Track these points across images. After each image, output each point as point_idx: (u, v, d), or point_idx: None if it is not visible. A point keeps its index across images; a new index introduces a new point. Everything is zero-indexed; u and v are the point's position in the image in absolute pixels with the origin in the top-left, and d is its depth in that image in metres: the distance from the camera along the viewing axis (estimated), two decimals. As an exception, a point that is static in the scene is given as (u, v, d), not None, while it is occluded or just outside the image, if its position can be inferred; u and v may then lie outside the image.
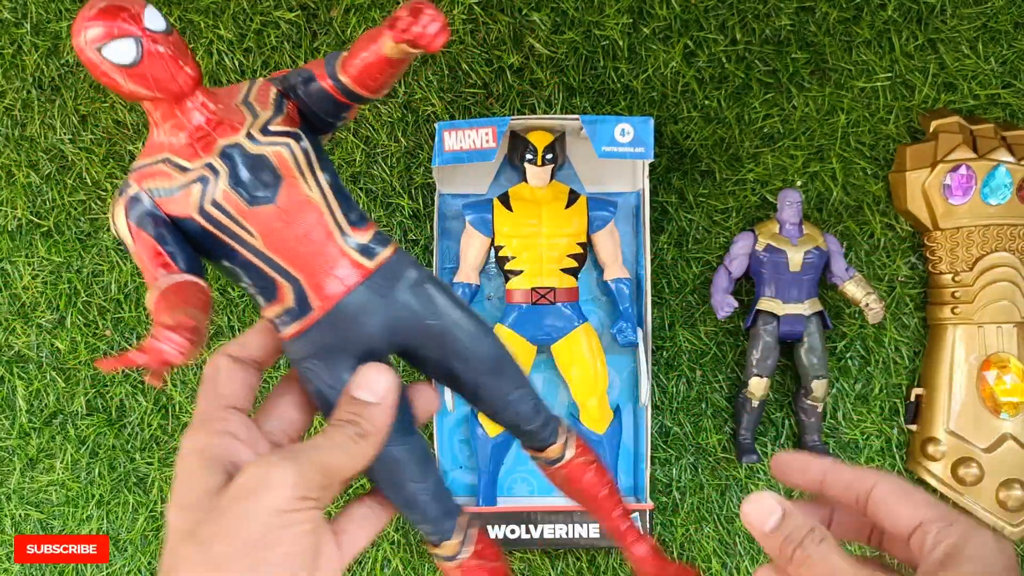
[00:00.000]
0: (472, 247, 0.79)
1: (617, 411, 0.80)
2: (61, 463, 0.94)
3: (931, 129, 0.88)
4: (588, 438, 0.80)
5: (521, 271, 0.77)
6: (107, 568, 0.93)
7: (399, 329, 0.44)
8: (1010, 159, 0.87)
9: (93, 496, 0.93)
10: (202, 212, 0.43)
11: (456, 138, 0.74)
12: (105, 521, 0.93)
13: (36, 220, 0.93)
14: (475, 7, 0.90)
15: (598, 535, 0.78)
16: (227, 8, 0.91)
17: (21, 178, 0.93)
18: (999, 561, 0.35)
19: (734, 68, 0.90)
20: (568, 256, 0.78)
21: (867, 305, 0.85)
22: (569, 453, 0.51)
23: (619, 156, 0.74)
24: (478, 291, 0.81)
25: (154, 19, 0.41)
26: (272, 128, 0.44)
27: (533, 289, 0.76)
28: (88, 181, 0.93)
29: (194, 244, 0.45)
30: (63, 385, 0.94)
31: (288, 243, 0.45)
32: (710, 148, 0.90)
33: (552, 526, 0.77)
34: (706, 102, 0.90)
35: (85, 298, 0.93)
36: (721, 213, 0.91)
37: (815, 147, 0.91)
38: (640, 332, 0.78)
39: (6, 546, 0.94)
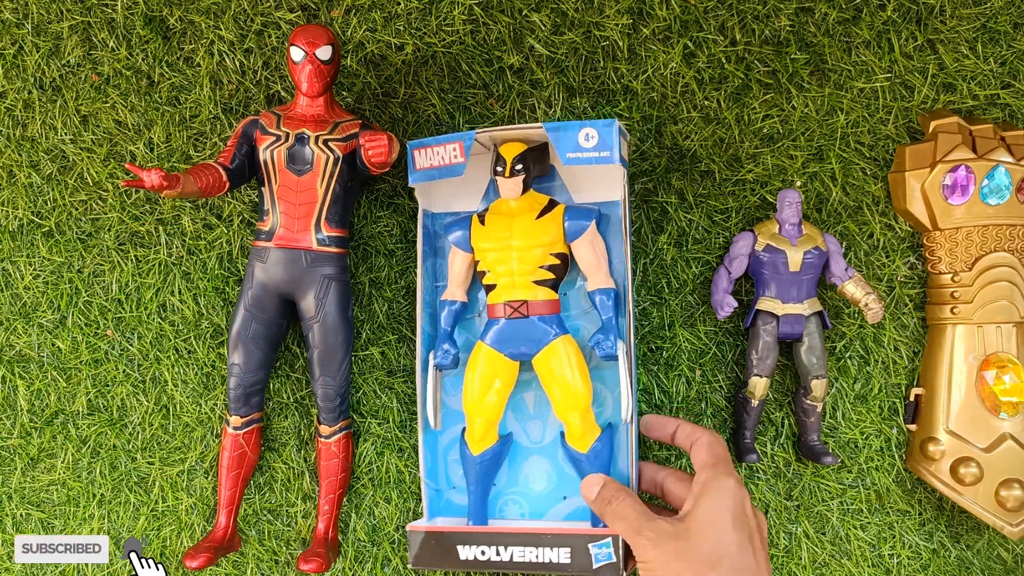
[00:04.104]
0: (455, 264, 0.77)
1: (609, 429, 0.75)
2: (62, 463, 0.94)
3: (930, 129, 0.88)
4: (572, 456, 0.75)
5: (495, 285, 0.74)
6: (108, 568, 0.94)
7: (296, 287, 0.83)
8: (1009, 159, 0.87)
9: (94, 496, 0.94)
10: (264, 151, 0.81)
11: (425, 156, 0.73)
12: (106, 521, 0.93)
13: (37, 220, 0.94)
14: (475, 7, 0.90)
15: (568, 560, 0.72)
16: (228, 8, 0.91)
17: (22, 178, 0.93)
18: (718, 449, 0.63)
19: (734, 69, 0.90)
20: (541, 268, 0.73)
21: (866, 305, 0.86)
22: (332, 439, 0.86)
23: (584, 162, 0.71)
24: (465, 308, 0.78)
25: (323, 52, 0.81)
26: (329, 142, 0.81)
27: (506, 303, 0.73)
28: (89, 181, 0.93)
29: (252, 164, 0.83)
30: (64, 385, 0.94)
31: (287, 200, 0.82)
32: (710, 148, 0.91)
33: (522, 549, 0.73)
34: (706, 102, 0.90)
35: (86, 298, 0.94)
36: (721, 213, 0.91)
37: (814, 147, 0.91)
38: (622, 345, 0.72)
39: (7, 545, 0.94)
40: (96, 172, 0.93)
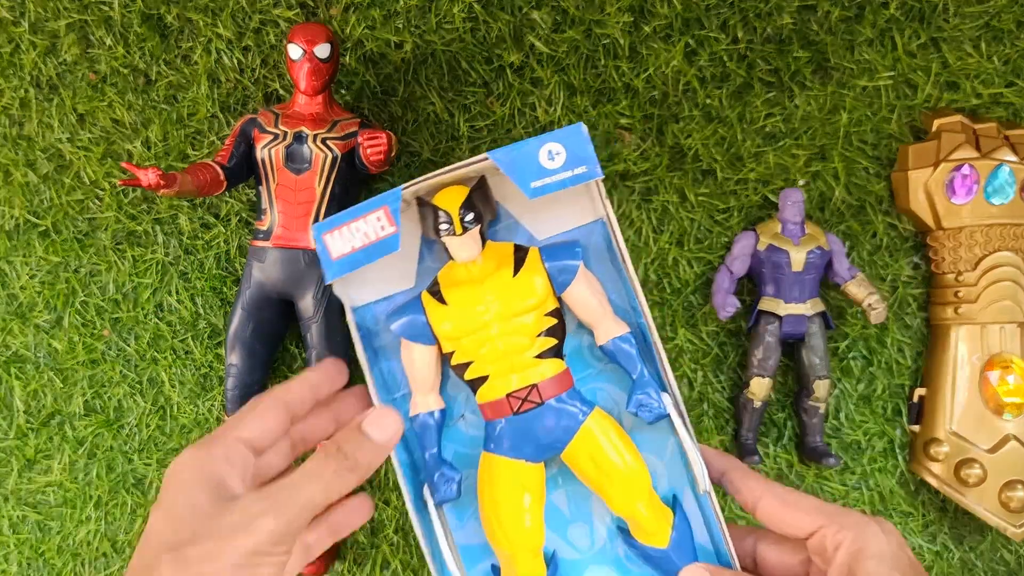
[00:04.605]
0: (415, 363, 0.57)
1: (675, 503, 0.58)
2: (59, 464, 0.93)
3: (933, 128, 0.88)
4: (649, 556, 0.58)
5: (486, 377, 0.55)
6: (105, 569, 0.93)
7: (294, 287, 0.84)
8: (1013, 158, 0.86)
9: (91, 497, 0.93)
10: (261, 150, 0.83)
11: (342, 238, 0.54)
12: (103, 522, 0.93)
13: (34, 220, 0.93)
14: (475, 5, 0.90)
15: None
16: (226, 6, 0.91)
17: (19, 177, 0.93)
18: (892, 547, 0.41)
19: (736, 67, 0.89)
20: (541, 335, 0.55)
21: (869, 305, 0.85)
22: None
23: (557, 188, 0.54)
24: (444, 416, 0.58)
25: (322, 50, 0.82)
26: (327, 141, 0.82)
27: (508, 396, 0.55)
28: (86, 180, 0.92)
29: (250, 163, 0.84)
30: (61, 386, 0.93)
31: (285, 199, 0.83)
32: (711, 147, 0.90)
33: None
34: (707, 101, 0.90)
35: (83, 298, 0.93)
36: (722, 213, 0.91)
37: (817, 146, 0.90)
38: (667, 397, 0.56)
39: (3, 547, 0.94)
40: (93, 171, 0.92)
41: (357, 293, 0.59)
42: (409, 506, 0.55)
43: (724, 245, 0.91)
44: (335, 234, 0.54)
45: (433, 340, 0.55)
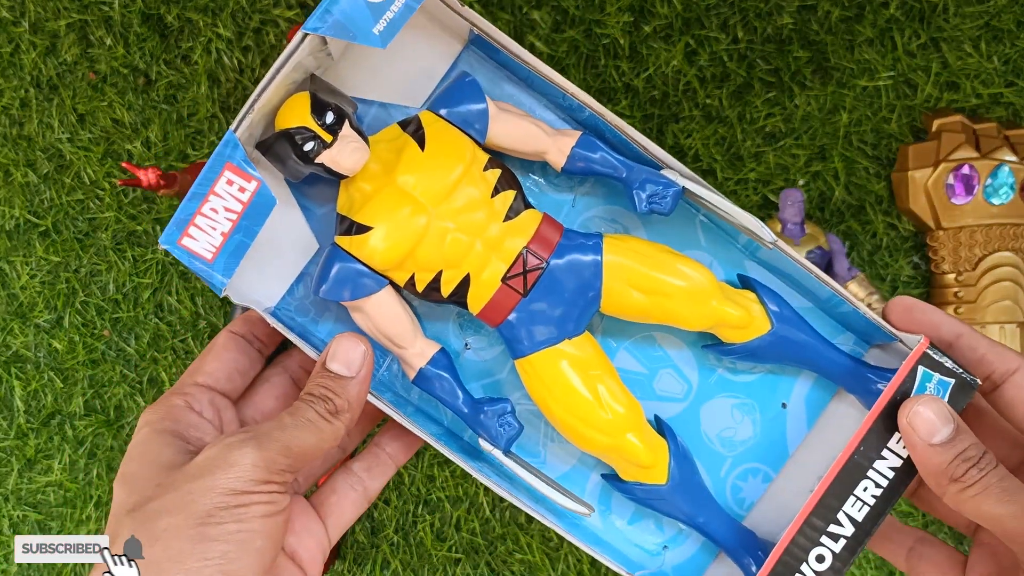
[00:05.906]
0: (380, 319, 0.45)
1: (748, 282, 0.49)
2: (59, 464, 0.93)
3: (933, 128, 0.88)
4: (753, 352, 0.48)
5: (467, 277, 0.44)
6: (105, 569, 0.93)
7: None
8: (1013, 158, 0.86)
9: (91, 497, 0.93)
10: None
11: (204, 232, 0.41)
12: (103, 523, 0.93)
13: (34, 220, 0.93)
14: (475, 5, 0.90)
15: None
16: (226, 6, 0.91)
17: (19, 177, 0.93)
18: None
19: (736, 67, 0.90)
20: (495, 194, 0.44)
21: (870, 305, 0.85)
22: None
23: (406, 15, 0.40)
24: (448, 355, 0.47)
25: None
26: None
27: (505, 281, 0.44)
28: (86, 180, 0.92)
29: None
30: (61, 385, 0.93)
31: None
32: (711, 147, 0.90)
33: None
34: (708, 101, 0.90)
35: (83, 298, 0.93)
36: (722, 212, 0.91)
37: (817, 146, 0.90)
38: (669, 173, 0.45)
39: (4, 547, 0.94)
40: (93, 171, 0.92)
41: (262, 294, 0.48)
42: (479, 477, 0.44)
43: (724, 245, 0.91)
44: (193, 232, 0.42)
45: (381, 280, 0.44)
